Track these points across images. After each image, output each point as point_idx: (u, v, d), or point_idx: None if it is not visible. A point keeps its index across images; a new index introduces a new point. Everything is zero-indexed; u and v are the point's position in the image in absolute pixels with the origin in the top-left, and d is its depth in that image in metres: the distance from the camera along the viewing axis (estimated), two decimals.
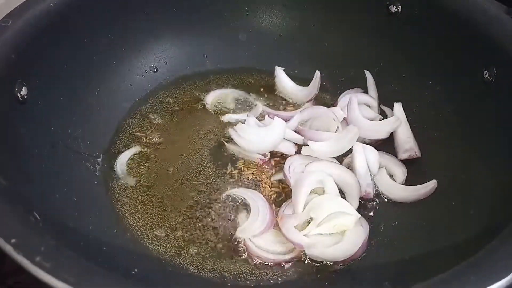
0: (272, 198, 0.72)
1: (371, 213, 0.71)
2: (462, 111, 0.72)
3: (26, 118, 0.64)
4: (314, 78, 0.89)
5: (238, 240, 0.67)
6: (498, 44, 0.66)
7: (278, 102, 0.89)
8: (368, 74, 0.87)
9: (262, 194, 0.72)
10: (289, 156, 0.77)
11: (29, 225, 0.47)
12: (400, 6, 0.81)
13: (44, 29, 0.68)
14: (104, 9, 0.78)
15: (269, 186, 0.74)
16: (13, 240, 0.42)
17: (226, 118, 0.85)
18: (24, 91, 0.63)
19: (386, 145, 0.79)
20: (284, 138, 0.78)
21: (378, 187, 0.74)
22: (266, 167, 0.77)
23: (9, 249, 0.42)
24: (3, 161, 0.54)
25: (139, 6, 0.84)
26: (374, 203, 0.72)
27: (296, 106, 0.88)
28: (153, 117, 0.84)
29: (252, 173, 0.76)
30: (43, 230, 0.48)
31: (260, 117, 0.84)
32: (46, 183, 0.62)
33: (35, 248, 0.42)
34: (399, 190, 0.72)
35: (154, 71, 0.91)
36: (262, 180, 0.75)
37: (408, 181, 0.74)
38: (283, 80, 0.91)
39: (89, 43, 0.78)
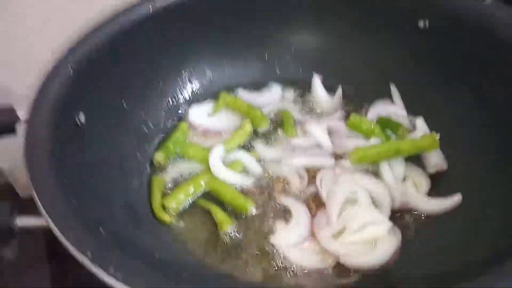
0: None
1: (402, 224, 0.71)
2: (491, 125, 0.73)
3: (85, 142, 0.70)
4: (336, 95, 0.92)
5: (276, 248, 0.70)
6: None
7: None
8: (393, 87, 0.90)
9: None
10: (321, 169, 0.80)
11: (99, 239, 0.53)
12: (427, 21, 0.82)
13: (107, 53, 0.76)
14: (163, 34, 0.86)
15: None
16: (88, 254, 0.49)
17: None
18: (82, 117, 0.71)
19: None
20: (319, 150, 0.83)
21: (402, 198, 0.74)
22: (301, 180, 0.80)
23: (86, 262, 0.48)
24: (70, 183, 0.60)
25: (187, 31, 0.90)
26: (405, 214, 0.73)
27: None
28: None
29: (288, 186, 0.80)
30: (111, 243, 0.54)
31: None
32: (106, 199, 0.68)
33: (108, 260, 0.48)
34: (423, 202, 0.73)
35: (196, 90, 0.96)
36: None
37: (431, 195, 0.74)
38: (317, 88, 0.94)
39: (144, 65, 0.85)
